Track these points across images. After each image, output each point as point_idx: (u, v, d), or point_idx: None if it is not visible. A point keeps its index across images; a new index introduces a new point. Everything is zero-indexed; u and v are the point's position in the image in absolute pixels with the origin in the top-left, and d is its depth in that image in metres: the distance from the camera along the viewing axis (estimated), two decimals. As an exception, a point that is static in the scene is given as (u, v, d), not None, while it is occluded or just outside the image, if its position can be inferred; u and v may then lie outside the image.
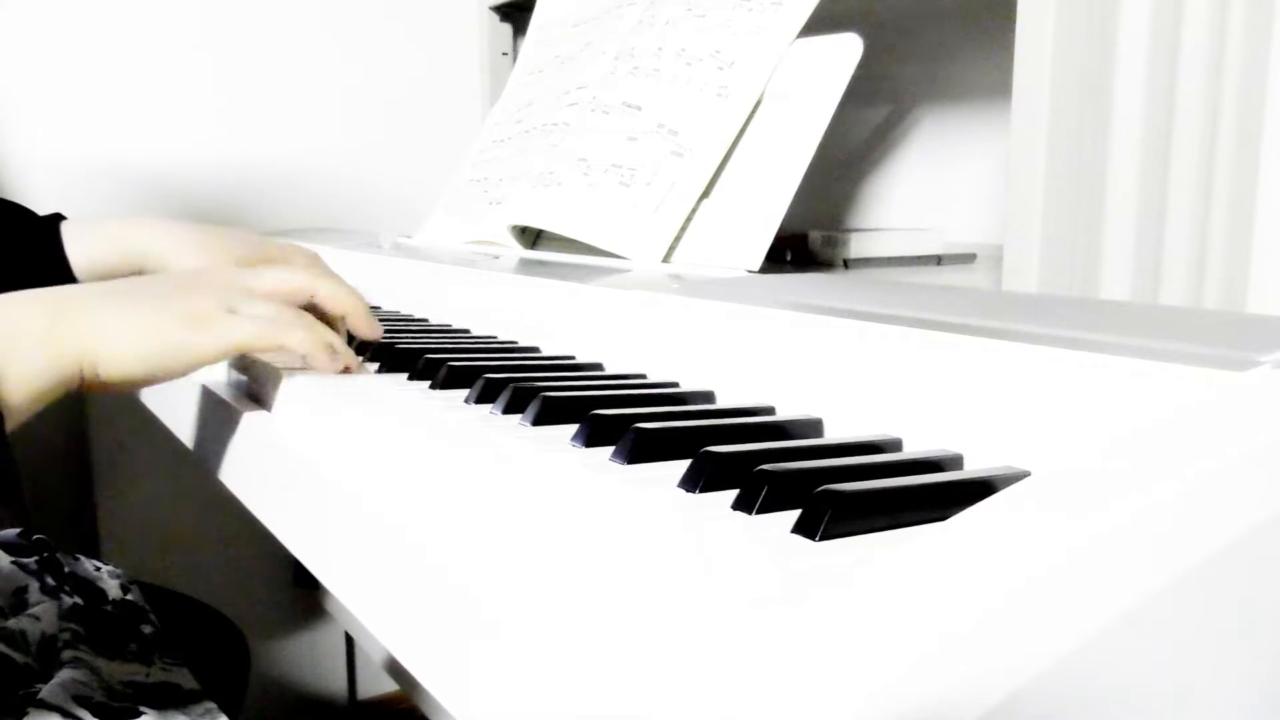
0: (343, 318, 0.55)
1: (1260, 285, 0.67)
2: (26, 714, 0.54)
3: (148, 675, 0.66)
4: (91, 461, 1.21)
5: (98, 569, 0.77)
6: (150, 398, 0.72)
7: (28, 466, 1.17)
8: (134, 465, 1.23)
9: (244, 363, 0.58)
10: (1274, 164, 0.66)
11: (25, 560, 0.71)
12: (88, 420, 1.20)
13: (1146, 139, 0.63)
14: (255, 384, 0.56)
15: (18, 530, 0.76)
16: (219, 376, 0.60)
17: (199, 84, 1.26)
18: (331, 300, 0.54)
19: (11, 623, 0.62)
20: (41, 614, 0.65)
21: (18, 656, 0.60)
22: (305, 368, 0.52)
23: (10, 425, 0.43)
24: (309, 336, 0.51)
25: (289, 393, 0.51)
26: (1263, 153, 0.66)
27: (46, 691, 0.56)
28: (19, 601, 0.67)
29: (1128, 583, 0.23)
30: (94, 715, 0.56)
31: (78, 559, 0.77)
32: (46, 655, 0.62)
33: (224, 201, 1.28)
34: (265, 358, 0.55)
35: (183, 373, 0.49)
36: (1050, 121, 0.59)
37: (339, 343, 0.52)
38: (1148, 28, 0.62)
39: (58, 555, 0.75)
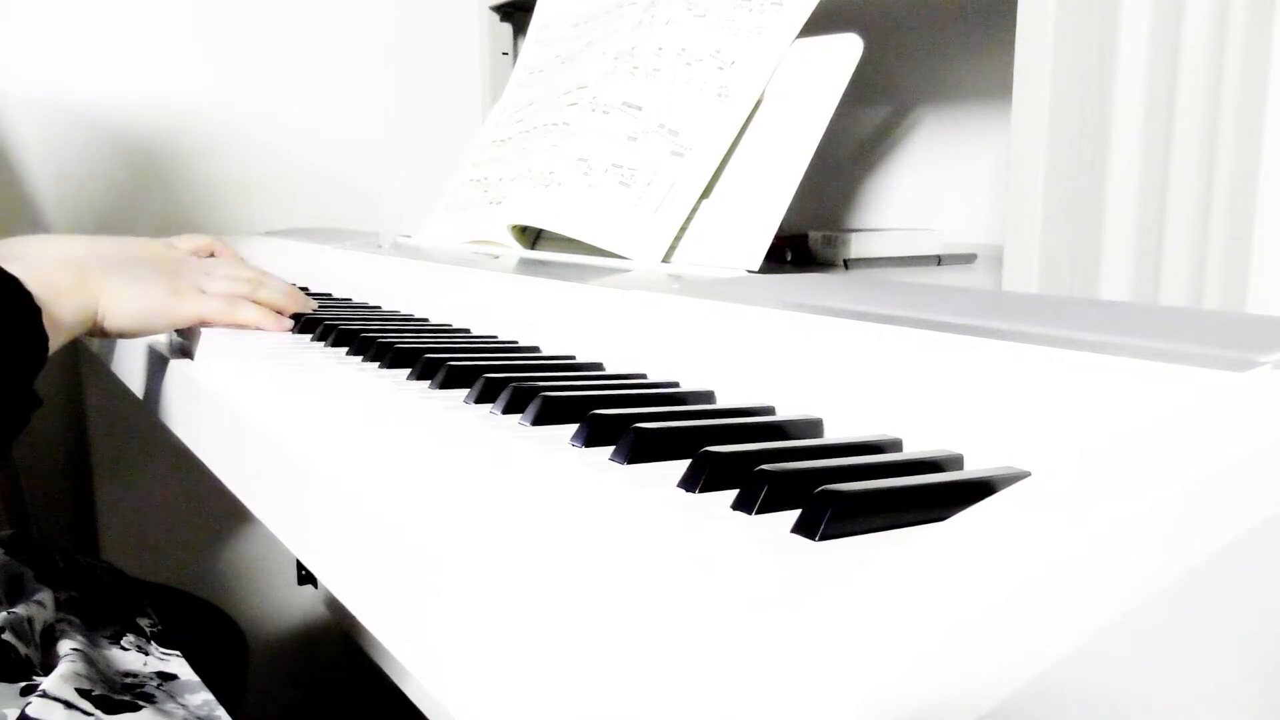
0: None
1: (1260, 285, 0.67)
2: (29, 705, 0.54)
3: (145, 664, 0.66)
4: (91, 461, 1.21)
5: (92, 565, 0.77)
6: (115, 363, 0.85)
7: (28, 466, 1.17)
8: (134, 465, 1.23)
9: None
10: (1274, 164, 0.66)
11: (19, 557, 0.72)
12: (88, 420, 1.20)
13: (1146, 139, 0.63)
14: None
15: (10, 532, 0.76)
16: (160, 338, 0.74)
17: (197, 85, 1.26)
18: (270, 301, 0.70)
19: (20, 609, 0.62)
20: (45, 600, 0.65)
21: (21, 647, 0.60)
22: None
23: (55, 345, 0.58)
24: (254, 313, 0.67)
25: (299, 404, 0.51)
26: (1263, 153, 0.66)
27: (48, 684, 0.56)
28: (16, 590, 0.67)
29: (1128, 583, 0.23)
30: (96, 706, 0.56)
31: (73, 557, 0.77)
32: (46, 644, 0.63)
33: (225, 204, 1.29)
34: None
35: (163, 330, 0.67)
36: (1050, 121, 0.59)
37: (280, 306, 0.70)
38: (1148, 28, 0.62)
39: (53, 554, 0.75)
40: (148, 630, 0.71)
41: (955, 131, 1.00)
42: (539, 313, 0.63)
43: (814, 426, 0.41)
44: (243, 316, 0.67)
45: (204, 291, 0.67)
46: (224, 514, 1.29)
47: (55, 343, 0.58)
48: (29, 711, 0.54)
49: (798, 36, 0.73)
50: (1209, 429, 0.28)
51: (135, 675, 0.65)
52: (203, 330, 0.66)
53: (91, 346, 0.94)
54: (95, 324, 0.63)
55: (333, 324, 0.65)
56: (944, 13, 1.00)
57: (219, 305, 0.67)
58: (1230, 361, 0.31)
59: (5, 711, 0.55)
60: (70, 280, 0.61)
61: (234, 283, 0.69)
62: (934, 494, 0.31)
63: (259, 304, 0.68)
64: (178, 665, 0.68)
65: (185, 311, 0.66)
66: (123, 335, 0.67)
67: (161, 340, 0.73)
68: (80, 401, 1.20)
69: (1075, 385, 0.34)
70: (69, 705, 0.55)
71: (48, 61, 1.17)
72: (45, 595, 0.66)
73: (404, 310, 0.77)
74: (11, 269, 0.57)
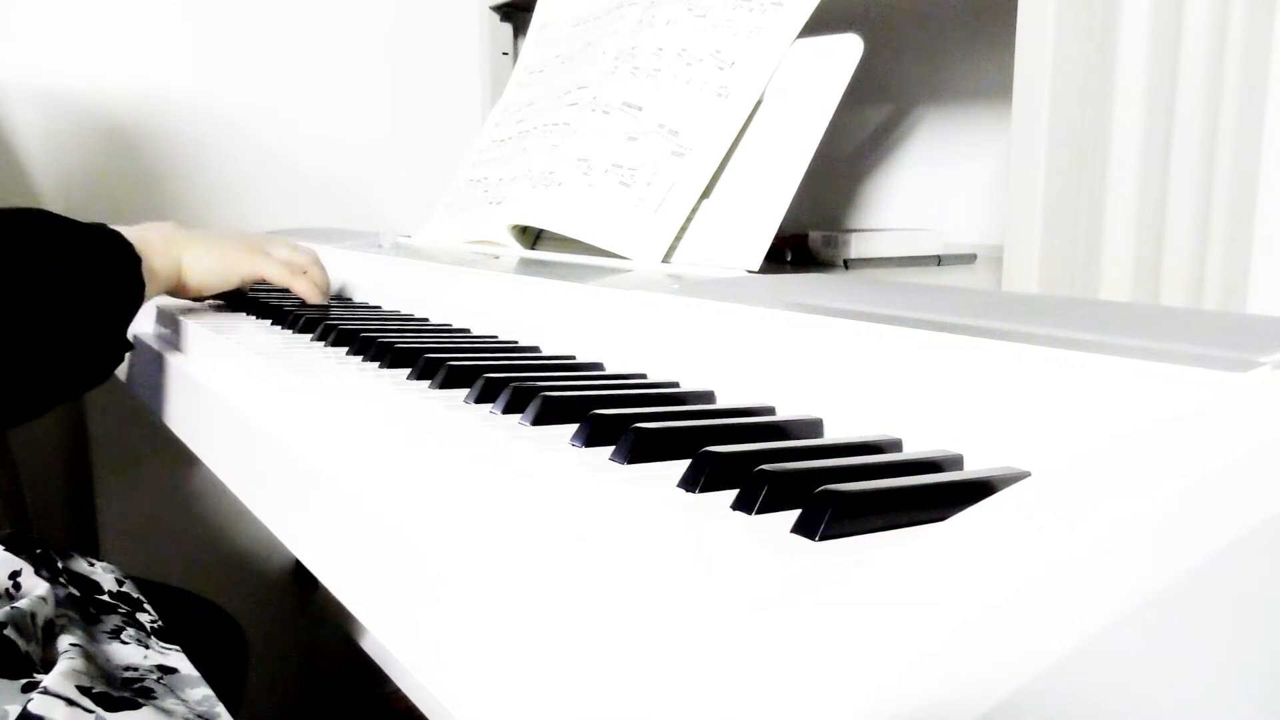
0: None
1: (1260, 285, 0.67)
2: (31, 701, 0.54)
3: (145, 658, 0.66)
4: (91, 461, 1.21)
5: (91, 564, 0.77)
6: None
7: (28, 466, 1.16)
8: (134, 465, 1.23)
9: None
10: (1274, 164, 0.66)
11: (20, 556, 0.71)
12: (88, 420, 1.20)
13: (1146, 139, 0.63)
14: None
15: (8, 532, 0.76)
16: (147, 328, 0.84)
17: (198, 85, 1.26)
18: (318, 281, 0.83)
19: (23, 603, 0.62)
20: (46, 597, 0.65)
21: (21, 643, 0.60)
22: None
23: (148, 295, 0.70)
24: (306, 284, 0.81)
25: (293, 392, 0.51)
26: (1263, 153, 0.66)
27: (49, 680, 0.56)
28: (13, 585, 0.67)
29: (1128, 583, 0.23)
30: (96, 704, 0.56)
31: (72, 556, 0.77)
32: (46, 640, 0.62)
33: (225, 204, 1.28)
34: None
35: (231, 285, 0.80)
36: (1050, 121, 0.59)
37: (323, 286, 0.84)
38: (1148, 28, 0.62)
39: (51, 552, 0.75)
40: (148, 626, 0.71)
41: (955, 131, 1.00)
42: (539, 313, 0.63)
43: (814, 426, 0.41)
44: (298, 286, 0.81)
45: (268, 255, 0.80)
46: (224, 514, 1.29)
47: (151, 291, 0.70)
48: (31, 708, 0.54)
49: (798, 36, 0.73)
50: (1209, 429, 0.28)
51: (135, 669, 0.65)
52: (190, 324, 0.72)
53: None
54: (178, 279, 0.75)
55: (333, 324, 0.65)
56: (944, 13, 1.00)
57: (281, 270, 0.80)
58: (1230, 362, 0.31)
59: (7, 708, 0.55)
60: (159, 240, 0.73)
61: (294, 254, 0.83)
62: (934, 494, 0.31)
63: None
64: (178, 659, 0.67)
65: (251, 267, 0.79)
66: (200, 290, 0.78)
67: (149, 331, 0.80)
68: (80, 401, 1.20)
69: (1075, 385, 0.34)
70: (70, 702, 0.55)
71: (48, 61, 1.17)
72: (45, 592, 0.66)
73: (404, 310, 0.77)
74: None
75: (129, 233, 0.69)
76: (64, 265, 0.64)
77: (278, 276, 0.80)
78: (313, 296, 0.81)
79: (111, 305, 0.66)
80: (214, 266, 0.77)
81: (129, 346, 0.69)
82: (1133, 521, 0.23)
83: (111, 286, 0.67)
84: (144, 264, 0.69)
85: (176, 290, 0.77)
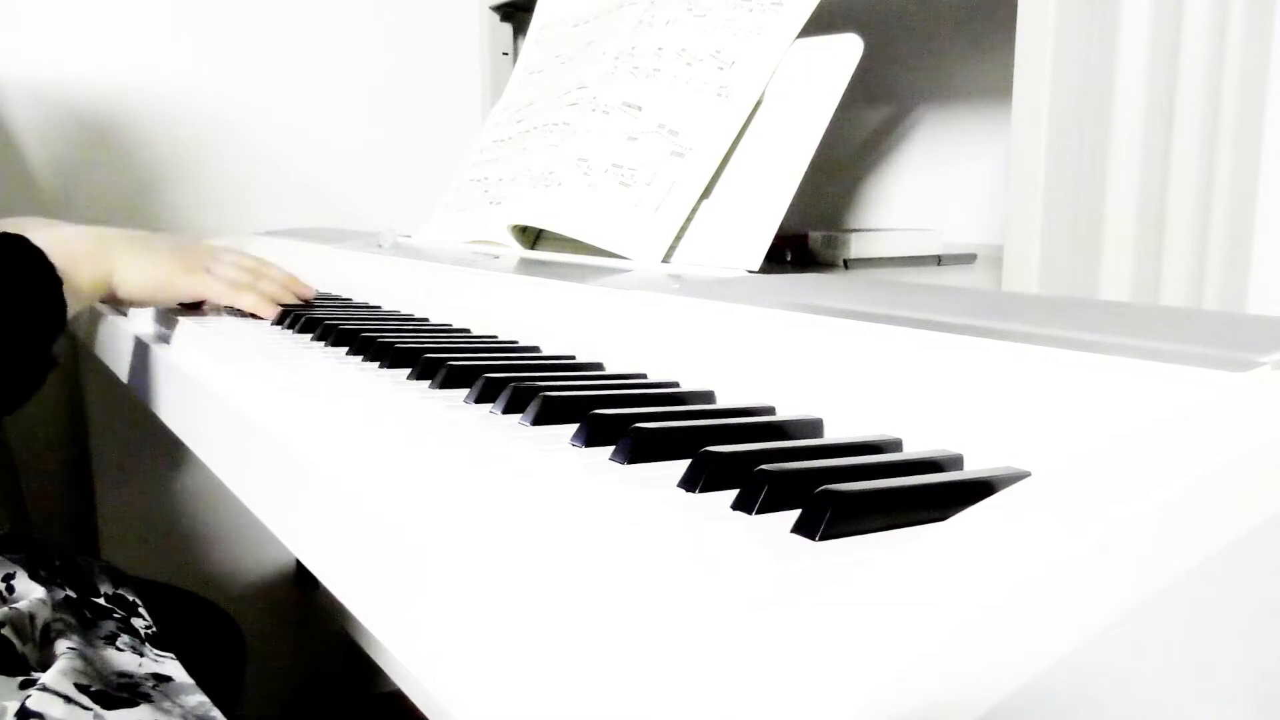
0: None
1: (1260, 285, 0.67)
2: (29, 698, 0.54)
3: (140, 665, 0.66)
4: (92, 461, 1.21)
5: (89, 564, 0.77)
6: (102, 351, 0.90)
7: (28, 466, 1.16)
8: (134, 465, 1.23)
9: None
10: (1274, 165, 0.66)
11: (14, 555, 0.71)
12: (88, 420, 1.20)
13: (1146, 139, 0.63)
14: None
15: (5, 531, 0.76)
16: (146, 328, 0.79)
17: (198, 85, 1.26)
18: (268, 293, 0.77)
19: (22, 605, 0.62)
20: (45, 599, 0.65)
21: (18, 644, 0.60)
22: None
23: (73, 311, 0.64)
24: (253, 300, 0.74)
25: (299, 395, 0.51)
26: (1263, 154, 0.66)
27: (47, 678, 0.56)
28: (7, 587, 0.67)
29: (1128, 583, 0.23)
30: (94, 701, 0.56)
31: (69, 555, 0.77)
32: (43, 643, 0.63)
33: (224, 204, 1.28)
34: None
35: (168, 302, 0.75)
36: (1050, 121, 0.59)
37: (277, 297, 0.77)
38: (1148, 28, 0.62)
39: (49, 551, 0.75)
40: (143, 632, 0.71)
41: (955, 131, 1.00)
42: (539, 313, 0.63)
43: (814, 426, 0.41)
44: (243, 302, 0.74)
45: (210, 272, 0.74)
46: (224, 514, 1.29)
47: (74, 308, 0.65)
48: (29, 704, 0.54)
49: (798, 37, 0.73)
50: (1209, 429, 0.28)
51: (130, 675, 0.65)
52: (188, 323, 0.70)
53: (94, 349, 0.93)
54: (108, 292, 0.70)
55: (333, 324, 0.65)
56: (944, 13, 1.00)
57: (223, 287, 0.74)
58: (1230, 361, 0.31)
59: (5, 704, 0.55)
60: (89, 249, 0.69)
61: (239, 271, 0.75)
62: (934, 494, 0.31)
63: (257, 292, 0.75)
64: (172, 668, 0.67)
65: (190, 287, 0.73)
66: (132, 303, 0.73)
67: (148, 330, 0.78)
68: (80, 401, 1.20)
69: (1075, 385, 0.34)
70: (68, 699, 0.55)
71: (45, 57, 1.17)
72: (44, 595, 0.66)
73: (404, 310, 0.77)
74: (36, 239, 0.63)
75: (52, 248, 0.64)
76: None
77: (221, 295, 0.74)
78: (262, 310, 0.74)
79: (28, 331, 0.62)
80: (148, 282, 0.71)
81: (52, 365, 0.64)
82: (1133, 521, 0.23)
83: (28, 312, 0.62)
84: (66, 284, 0.63)
85: (105, 301, 0.72)
